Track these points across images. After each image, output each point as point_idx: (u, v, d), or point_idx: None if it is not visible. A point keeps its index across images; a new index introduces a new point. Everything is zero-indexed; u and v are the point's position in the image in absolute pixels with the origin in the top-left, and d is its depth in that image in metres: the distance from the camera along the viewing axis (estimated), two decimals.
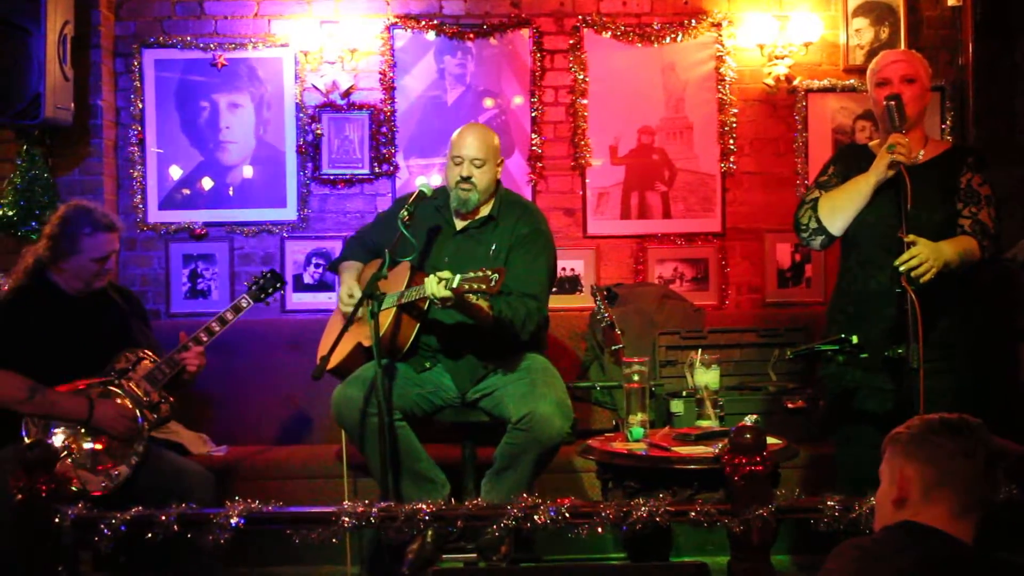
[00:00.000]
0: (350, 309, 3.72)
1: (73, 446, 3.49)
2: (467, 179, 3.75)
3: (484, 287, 3.28)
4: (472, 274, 3.31)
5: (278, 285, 4.09)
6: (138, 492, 3.42)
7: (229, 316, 3.85)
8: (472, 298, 3.42)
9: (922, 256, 3.11)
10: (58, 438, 3.47)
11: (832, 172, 3.52)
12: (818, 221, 3.45)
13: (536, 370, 3.71)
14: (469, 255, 3.75)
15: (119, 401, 3.58)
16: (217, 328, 3.82)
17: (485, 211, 3.85)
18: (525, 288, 3.68)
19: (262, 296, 4.04)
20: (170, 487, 3.46)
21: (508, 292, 3.64)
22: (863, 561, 1.86)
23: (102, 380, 3.61)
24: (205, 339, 3.78)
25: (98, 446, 3.53)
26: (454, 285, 3.31)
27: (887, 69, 3.43)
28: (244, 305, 3.92)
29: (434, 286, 3.36)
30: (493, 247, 3.77)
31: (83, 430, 3.51)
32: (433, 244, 3.85)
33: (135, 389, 3.62)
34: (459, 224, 3.87)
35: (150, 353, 3.73)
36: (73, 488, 2.95)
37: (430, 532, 3.53)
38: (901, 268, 3.10)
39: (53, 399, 3.49)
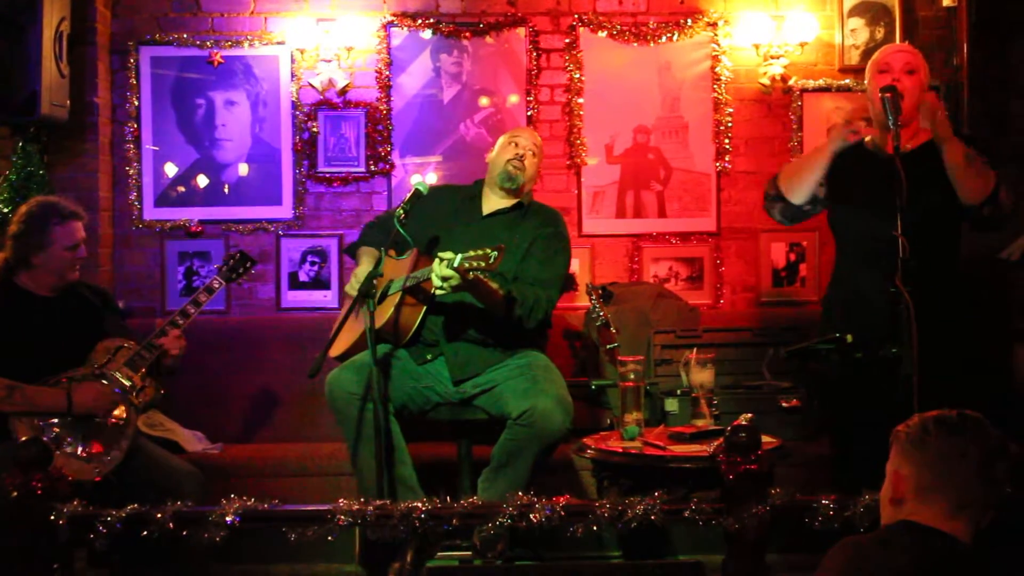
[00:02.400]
0: (354, 293, 3.75)
1: (64, 437, 3.52)
2: (521, 159, 3.92)
3: (484, 264, 3.32)
4: (472, 252, 3.35)
5: (248, 265, 4.08)
6: (130, 484, 3.46)
7: (203, 298, 3.87)
8: (483, 277, 3.44)
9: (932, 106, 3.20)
10: (48, 431, 3.49)
11: None
12: (776, 188, 3.50)
13: (537, 366, 3.73)
14: (490, 240, 3.76)
15: (96, 383, 3.60)
16: (192, 311, 3.85)
17: (522, 190, 3.98)
18: (539, 277, 3.77)
19: (233, 277, 4.05)
20: (160, 483, 3.49)
21: (521, 279, 3.72)
22: (859, 560, 1.87)
23: (82, 373, 3.63)
24: (181, 322, 3.81)
25: (88, 435, 3.55)
26: (455, 264, 3.34)
27: (889, 58, 3.44)
28: (216, 286, 3.94)
29: (438, 267, 3.41)
30: (516, 238, 3.83)
31: (70, 420, 3.54)
32: (455, 231, 3.90)
33: (118, 377, 3.64)
34: (487, 208, 3.97)
35: (128, 342, 3.74)
36: (69, 479, 2.95)
37: (409, 554, 3.53)
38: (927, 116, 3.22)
39: (31, 395, 3.53)
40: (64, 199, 3.78)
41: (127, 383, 3.64)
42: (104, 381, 3.62)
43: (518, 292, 3.65)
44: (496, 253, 3.31)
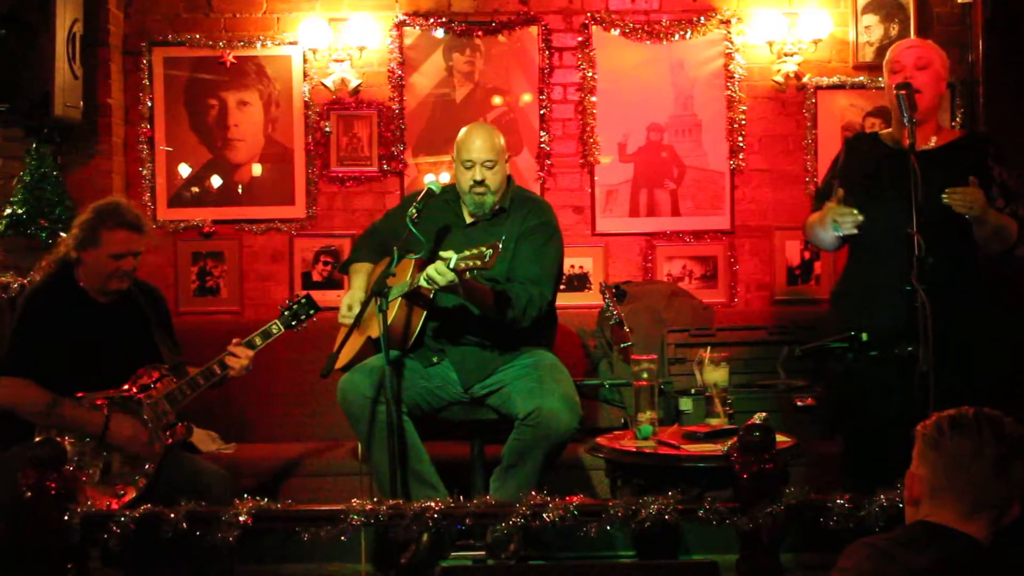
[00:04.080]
0: (348, 322, 3.74)
1: (81, 462, 3.41)
2: (481, 182, 3.77)
3: (479, 263, 3.30)
4: (467, 252, 3.33)
5: (311, 312, 3.79)
6: (158, 487, 3.42)
7: (258, 341, 3.69)
8: (477, 277, 3.43)
9: (972, 193, 3.18)
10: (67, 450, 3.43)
11: (829, 176, 3.61)
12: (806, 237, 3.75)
13: (544, 366, 3.71)
14: (478, 246, 3.75)
15: (135, 419, 3.52)
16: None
17: (496, 204, 3.86)
18: (530, 274, 3.71)
19: (293, 324, 3.76)
20: (189, 486, 3.37)
21: (513, 279, 3.67)
22: (876, 560, 1.85)
23: (124, 397, 3.55)
24: (218, 373, 3.68)
25: (108, 466, 3.48)
26: (451, 265, 3.33)
27: (900, 56, 3.41)
28: (274, 332, 3.73)
29: (434, 272, 3.39)
30: (503, 238, 3.77)
31: (95, 444, 3.47)
32: (444, 238, 3.85)
33: (154, 409, 3.56)
34: (470, 218, 3.89)
35: (171, 373, 3.66)
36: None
37: (425, 537, 3.52)
38: (946, 199, 3.19)
39: (70, 414, 3.46)
40: (135, 210, 3.66)
41: (162, 419, 3.56)
42: (144, 416, 3.52)
43: (510, 292, 3.61)
44: (491, 251, 3.29)
